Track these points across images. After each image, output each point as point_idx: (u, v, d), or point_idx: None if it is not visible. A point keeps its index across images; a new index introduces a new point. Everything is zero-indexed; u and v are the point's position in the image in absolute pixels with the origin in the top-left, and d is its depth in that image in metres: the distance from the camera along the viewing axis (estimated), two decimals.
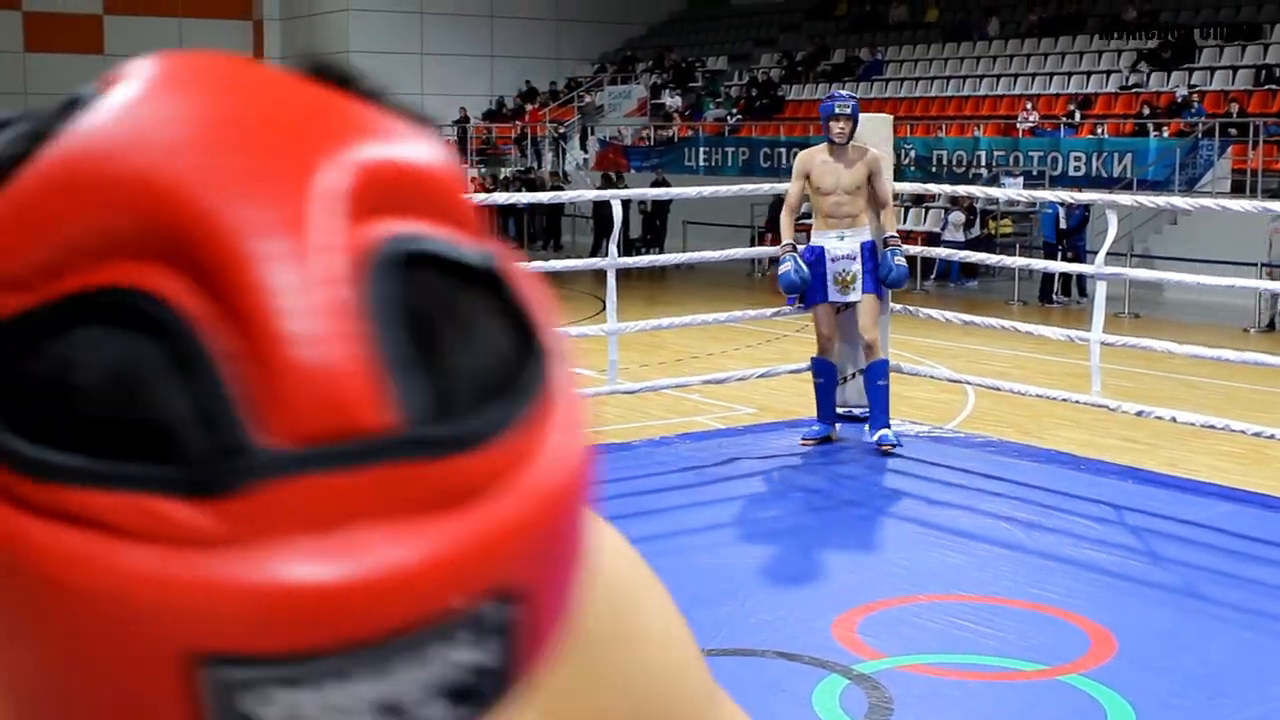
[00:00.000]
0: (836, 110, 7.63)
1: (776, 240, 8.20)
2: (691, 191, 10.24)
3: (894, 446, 7.65)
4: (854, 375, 8.17)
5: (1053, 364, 11.67)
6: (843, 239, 7.62)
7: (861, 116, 7.85)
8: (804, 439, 7.82)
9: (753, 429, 8.67)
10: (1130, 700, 4.37)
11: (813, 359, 7.88)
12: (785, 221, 7.81)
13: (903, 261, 7.67)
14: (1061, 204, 17.30)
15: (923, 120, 25.36)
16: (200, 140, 0.39)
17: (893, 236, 7.70)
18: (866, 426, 7.92)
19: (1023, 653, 4.78)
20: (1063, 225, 18.16)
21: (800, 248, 7.72)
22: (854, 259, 7.60)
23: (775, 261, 8.05)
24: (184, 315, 0.38)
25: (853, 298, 7.65)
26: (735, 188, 10.17)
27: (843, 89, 27.44)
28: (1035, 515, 6.58)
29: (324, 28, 34.88)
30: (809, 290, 7.70)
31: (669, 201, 23.66)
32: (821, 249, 7.66)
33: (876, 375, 7.72)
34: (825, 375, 7.81)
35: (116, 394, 0.37)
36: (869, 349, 7.69)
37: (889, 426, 7.74)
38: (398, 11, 34.16)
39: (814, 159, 7.73)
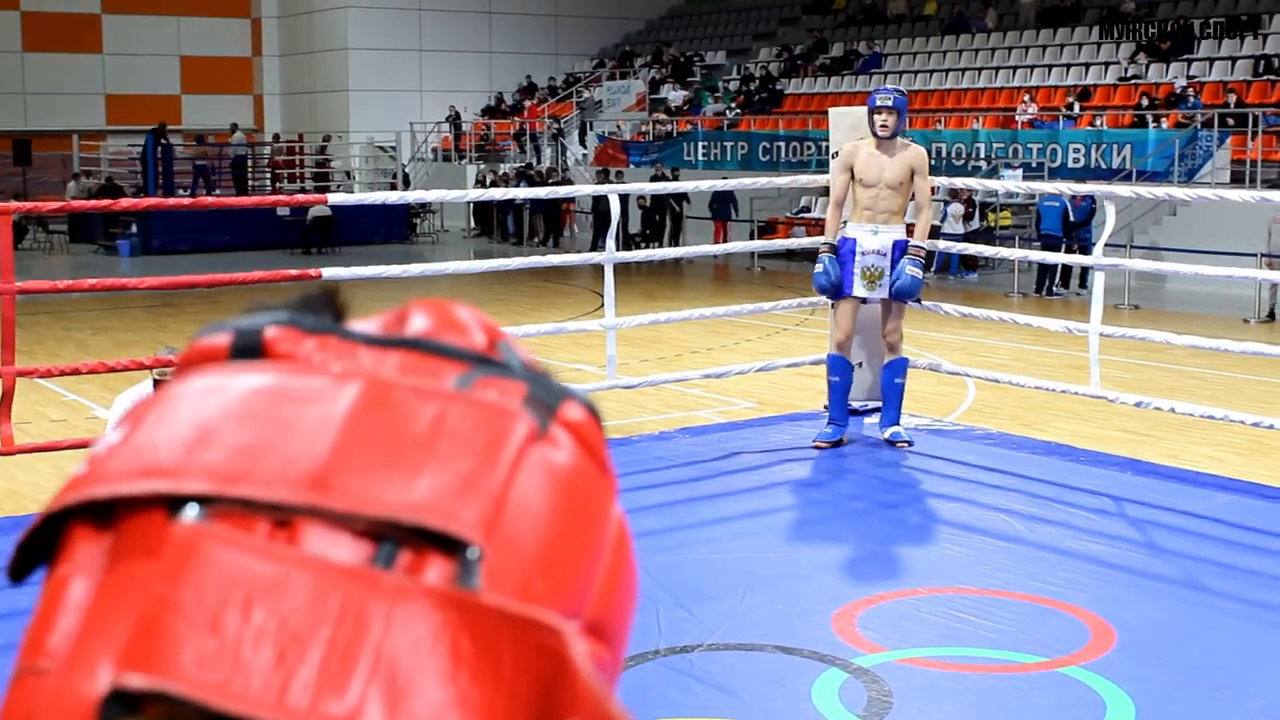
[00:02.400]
0: (878, 103, 7.50)
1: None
2: (689, 186, 10.21)
3: (907, 444, 7.56)
4: (859, 365, 8.12)
5: (1052, 356, 11.67)
6: (876, 234, 7.47)
7: (858, 110, 7.79)
8: (817, 442, 7.64)
9: (752, 423, 8.66)
10: (1130, 692, 4.36)
11: (830, 356, 7.72)
12: (831, 217, 7.68)
13: (917, 273, 7.49)
14: (1071, 197, 17.30)
15: (922, 113, 25.35)
16: None
17: (917, 246, 7.54)
18: (877, 420, 7.89)
19: (1022, 645, 4.77)
20: (1071, 218, 18.14)
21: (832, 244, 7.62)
22: (884, 255, 7.47)
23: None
24: None
25: (877, 294, 7.52)
26: (734, 182, 10.15)
27: (842, 82, 27.15)
28: (1035, 507, 6.57)
29: (322, 25, 34.86)
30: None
31: (668, 196, 23.65)
32: (854, 241, 7.51)
33: (895, 372, 7.59)
34: (842, 374, 7.63)
35: None
36: (892, 348, 7.60)
37: (900, 424, 7.64)
38: (396, 8, 34.11)
39: (859, 151, 7.56)
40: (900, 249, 7.47)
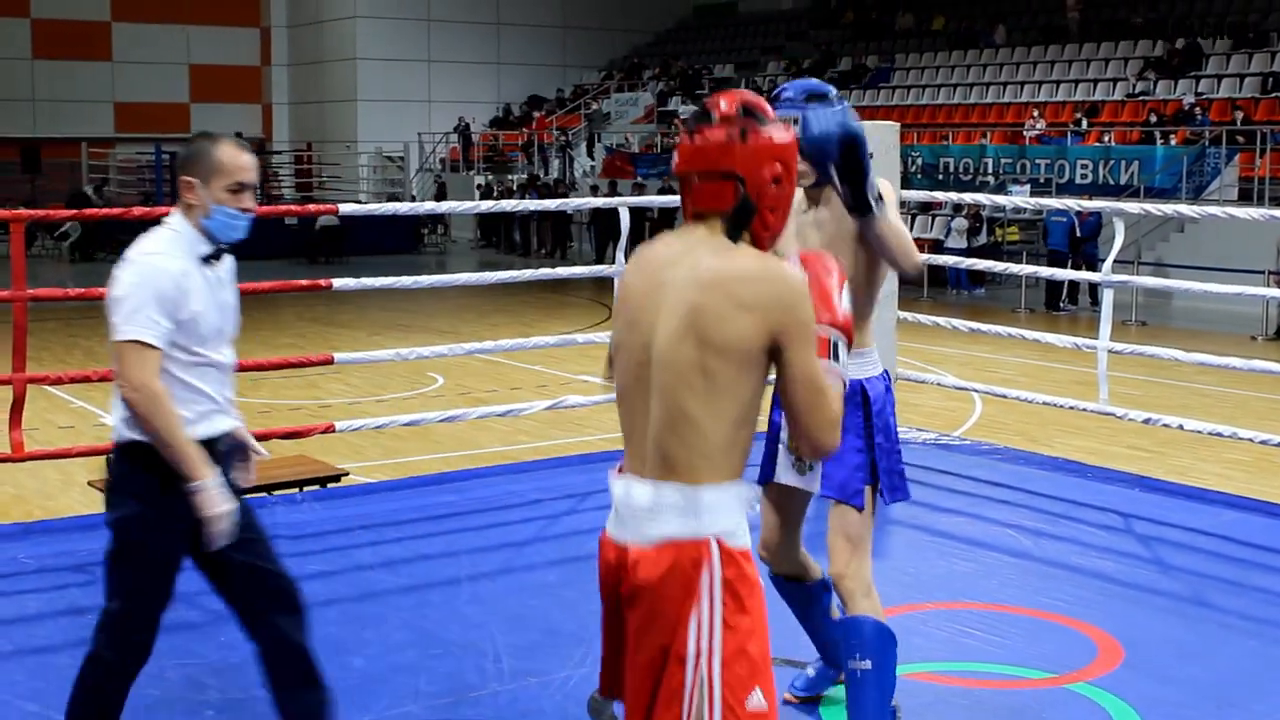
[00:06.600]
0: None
1: None
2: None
3: None
4: None
5: (1060, 372, 11.66)
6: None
7: (867, 125, 7.01)
8: (789, 695, 4.39)
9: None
10: (1138, 709, 4.36)
11: (771, 575, 4.27)
12: None
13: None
14: (1077, 212, 17.33)
15: (929, 128, 25.37)
16: None
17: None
18: None
19: (1030, 661, 4.77)
20: (1078, 233, 18.16)
21: None
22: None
23: None
24: None
25: (812, 485, 4.06)
26: None
27: (850, 96, 26.95)
28: (1042, 523, 6.58)
29: (331, 35, 34.94)
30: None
31: (677, 208, 23.64)
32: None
33: (853, 650, 3.80)
34: (792, 598, 4.34)
35: None
36: (846, 598, 3.89)
37: None
38: (404, 19, 34.20)
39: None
40: (879, 390, 3.95)
